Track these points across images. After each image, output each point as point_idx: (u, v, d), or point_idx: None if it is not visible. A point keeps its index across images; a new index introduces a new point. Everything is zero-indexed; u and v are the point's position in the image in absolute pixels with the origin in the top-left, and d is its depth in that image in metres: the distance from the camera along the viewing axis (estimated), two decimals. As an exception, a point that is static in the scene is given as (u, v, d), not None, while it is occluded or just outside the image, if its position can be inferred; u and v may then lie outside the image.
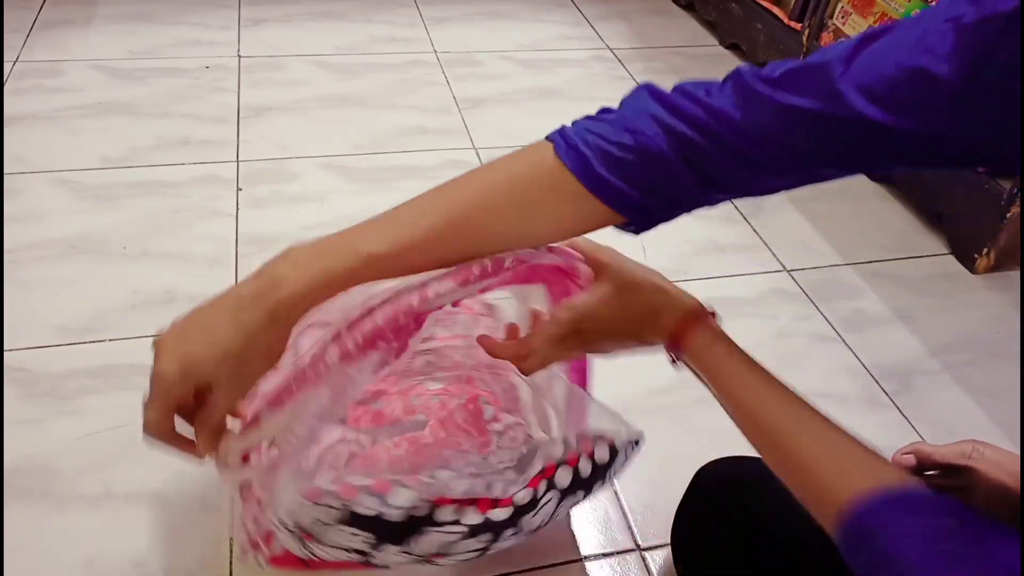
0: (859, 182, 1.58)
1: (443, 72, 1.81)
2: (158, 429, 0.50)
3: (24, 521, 0.86)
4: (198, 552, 0.85)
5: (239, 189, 1.39)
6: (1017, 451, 0.66)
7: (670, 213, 0.57)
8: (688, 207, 0.56)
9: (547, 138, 0.56)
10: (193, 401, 0.50)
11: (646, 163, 0.51)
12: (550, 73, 1.85)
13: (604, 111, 0.55)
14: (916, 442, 0.70)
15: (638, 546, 0.89)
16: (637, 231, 0.58)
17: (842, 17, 1.62)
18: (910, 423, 1.08)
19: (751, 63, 1.92)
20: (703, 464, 0.75)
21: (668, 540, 0.76)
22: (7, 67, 1.65)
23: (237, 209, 1.34)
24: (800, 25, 1.73)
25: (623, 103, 0.55)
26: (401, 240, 0.52)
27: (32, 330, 1.08)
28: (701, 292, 1.35)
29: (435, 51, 1.90)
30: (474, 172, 0.57)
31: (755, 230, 1.41)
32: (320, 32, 1.92)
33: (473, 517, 0.65)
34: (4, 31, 1.73)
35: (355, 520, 0.61)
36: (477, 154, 1.54)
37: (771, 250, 1.37)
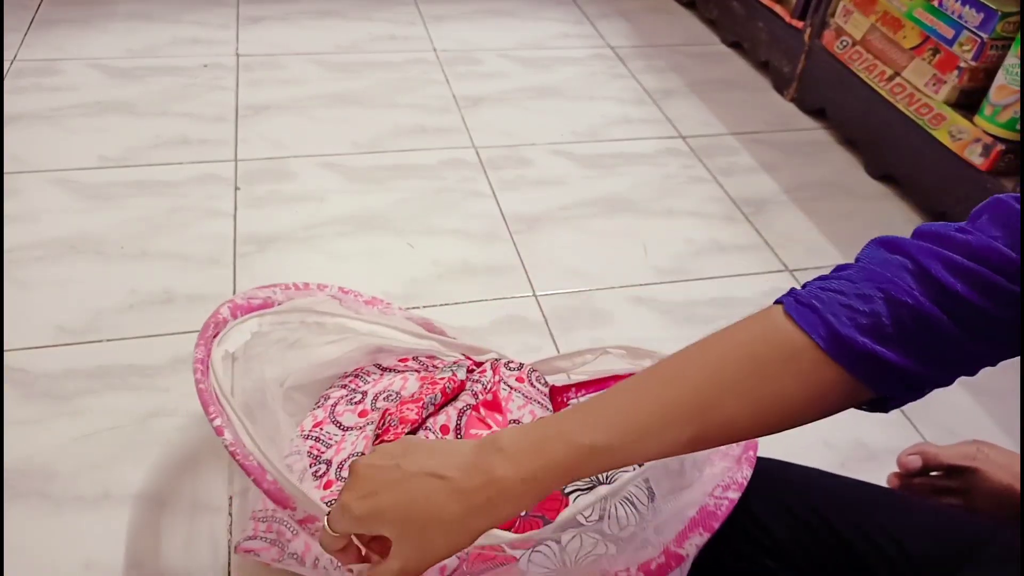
0: (861, 181, 1.58)
1: (443, 70, 1.81)
2: (334, 548, 0.49)
3: (22, 522, 0.86)
4: (197, 553, 0.85)
5: (237, 188, 1.38)
6: (1018, 451, 0.66)
7: (942, 376, 0.45)
8: (967, 367, 0.44)
9: (776, 301, 0.47)
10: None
11: (899, 316, 0.42)
12: (550, 71, 1.84)
13: (838, 268, 0.47)
14: (922, 443, 0.69)
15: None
16: (889, 406, 0.46)
17: (844, 16, 1.62)
18: (911, 423, 1.08)
19: (752, 61, 1.92)
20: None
21: None
22: (5, 65, 1.64)
23: (235, 208, 1.33)
24: (802, 23, 1.72)
25: (858, 258, 0.47)
26: (629, 427, 0.45)
27: (30, 330, 1.08)
28: (702, 292, 1.35)
29: (435, 49, 1.89)
30: (702, 343, 0.47)
31: (757, 230, 1.41)
32: (319, 30, 1.92)
33: None
34: (3, 30, 1.73)
35: None
36: (477, 153, 1.53)
37: (773, 250, 1.37)
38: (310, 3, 2.04)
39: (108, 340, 1.08)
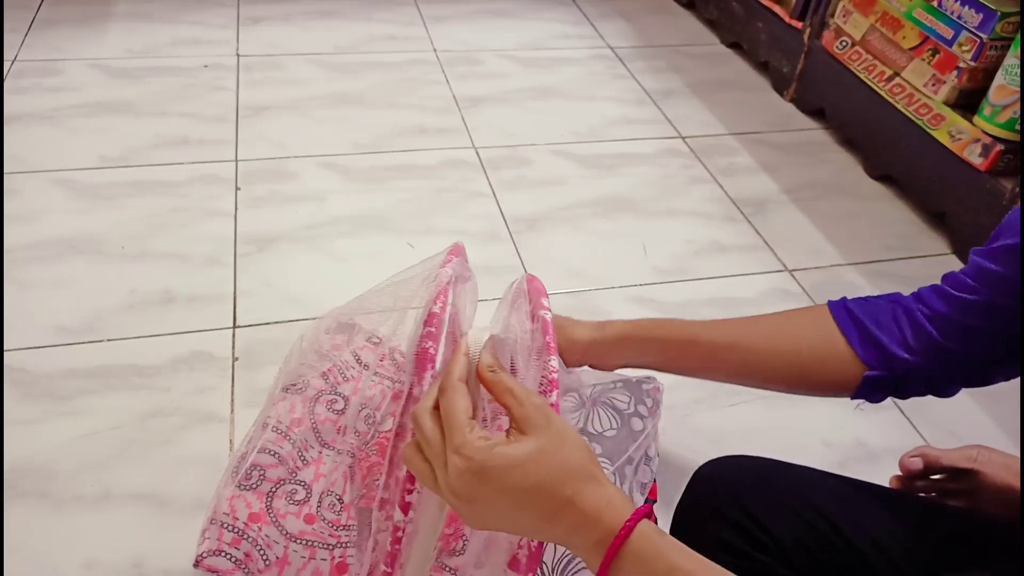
0: (861, 181, 1.58)
1: (443, 71, 1.81)
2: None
3: (22, 522, 0.86)
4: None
5: (238, 188, 1.38)
6: (1017, 451, 0.66)
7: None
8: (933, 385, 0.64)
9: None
10: None
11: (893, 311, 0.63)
12: (550, 72, 1.84)
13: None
14: (923, 445, 0.70)
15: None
16: (872, 393, 0.63)
17: (843, 16, 1.62)
18: (911, 423, 1.08)
19: (752, 62, 1.92)
20: (702, 464, 0.75)
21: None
22: (5, 66, 1.64)
23: (236, 209, 1.33)
24: (801, 24, 1.73)
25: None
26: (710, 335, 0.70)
27: (30, 330, 1.08)
28: (702, 292, 1.35)
29: (435, 50, 1.89)
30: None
31: (756, 230, 1.41)
32: (319, 31, 1.92)
33: None
34: (3, 30, 1.73)
35: None
36: (477, 153, 1.53)
37: (772, 250, 1.37)
38: (310, 3, 2.04)
39: (108, 340, 1.08)
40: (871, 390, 0.61)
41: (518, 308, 0.61)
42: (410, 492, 0.51)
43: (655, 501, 0.72)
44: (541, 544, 0.51)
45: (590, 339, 0.73)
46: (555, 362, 0.54)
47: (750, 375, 0.66)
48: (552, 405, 0.52)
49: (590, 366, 0.76)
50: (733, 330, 0.67)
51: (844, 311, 0.62)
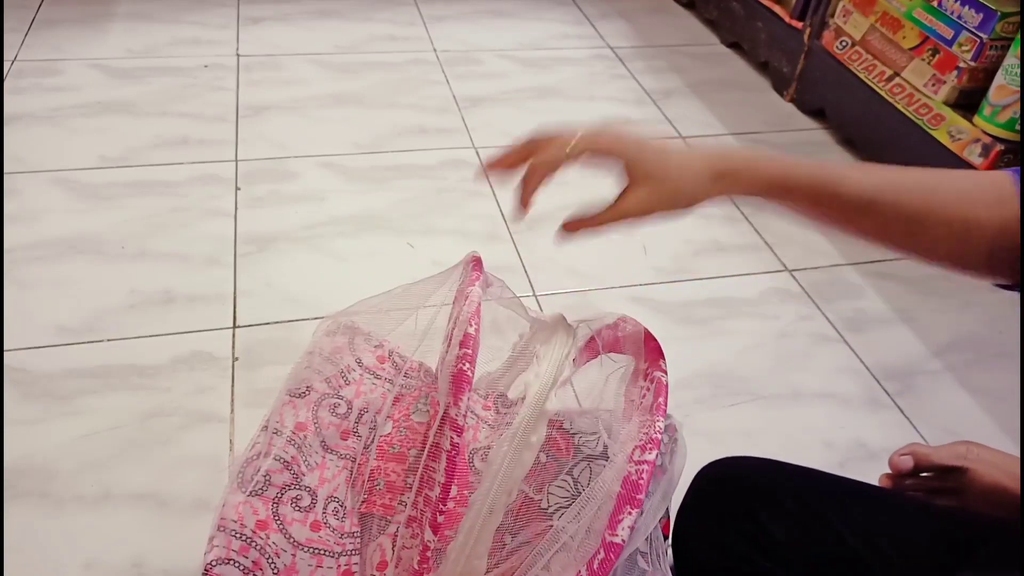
0: (860, 181, 1.58)
1: (443, 71, 1.81)
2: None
3: (22, 522, 0.86)
4: (196, 552, 0.85)
5: (238, 188, 1.38)
6: (1017, 451, 0.66)
7: None
8: None
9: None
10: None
11: None
12: (550, 72, 1.84)
13: None
14: (913, 443, 0.69)
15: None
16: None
17: (843, 16, 1.62)
18: (911, 423, 1.08)
19: (752, 62, 1.92)
20: (704, 465, 0.75)
21: (669, 542, 0.76)
22: (5, 66, 1.64)
23: (236, 209, 1.34)
24: (801, 24, 1.73)
25: None
26: (860, 185, 0.57)
27: (30, 330, 1.08)
28: (702, 292, 1.35)
29: (435, 50, 1.89)
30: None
31: (756, 230, 1.41)
32: (319, 31, 1.92)
33: None
34: (3, 30, 1.73)
35: None
36: (477, 153, 1.53)
37: (773, 250, 1.37)
38: (310, 3, 2.04)
39: (108, 340, 1.08)
40: None
41: (626, 380, 0.62)
42: (442, 513, 0.51)
43: (667, 537, 0.71)
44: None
45: (705, 195, 0.58)
46: (661, 424, 0.55)
47: (917, 255, 0.59)
48: (648, 463, 0.52)
49: None
50: (913, 201, 0.56)
51: None
